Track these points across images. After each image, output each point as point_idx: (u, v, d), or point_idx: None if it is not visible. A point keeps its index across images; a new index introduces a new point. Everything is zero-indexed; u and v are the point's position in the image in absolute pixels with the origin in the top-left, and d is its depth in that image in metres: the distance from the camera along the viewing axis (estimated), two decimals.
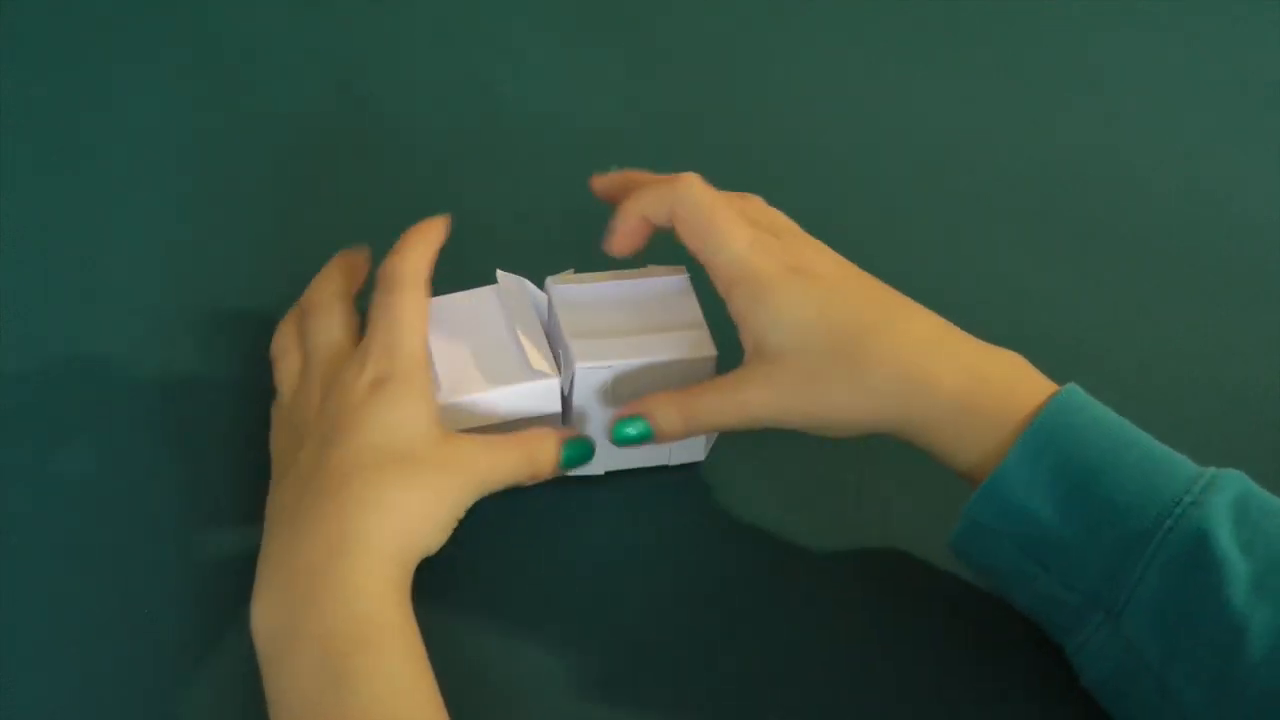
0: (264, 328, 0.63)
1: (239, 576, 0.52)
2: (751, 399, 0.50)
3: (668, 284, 0.56)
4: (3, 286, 0.64)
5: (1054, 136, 0.78)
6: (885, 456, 0.56)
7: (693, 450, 0.57)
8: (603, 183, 0.57)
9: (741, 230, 0.52)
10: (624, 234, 0.54)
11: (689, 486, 0.57)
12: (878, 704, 0.50)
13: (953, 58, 0.84)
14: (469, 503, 0.49)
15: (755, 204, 0.56)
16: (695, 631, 0.52)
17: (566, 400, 0.54)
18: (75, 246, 0.66)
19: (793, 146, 0.77)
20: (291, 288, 0.65)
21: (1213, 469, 0.46)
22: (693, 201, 0.52)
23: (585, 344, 0.53)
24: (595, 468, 0.55)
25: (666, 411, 0.51)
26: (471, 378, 0.52)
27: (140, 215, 0.69)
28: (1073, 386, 0.49)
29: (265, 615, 0.45)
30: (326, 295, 0.55)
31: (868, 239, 0.70)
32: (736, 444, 0.57)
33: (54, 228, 0.68)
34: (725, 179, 0.74)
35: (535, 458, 0.51)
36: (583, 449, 0.53)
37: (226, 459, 0.56)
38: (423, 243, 0.53)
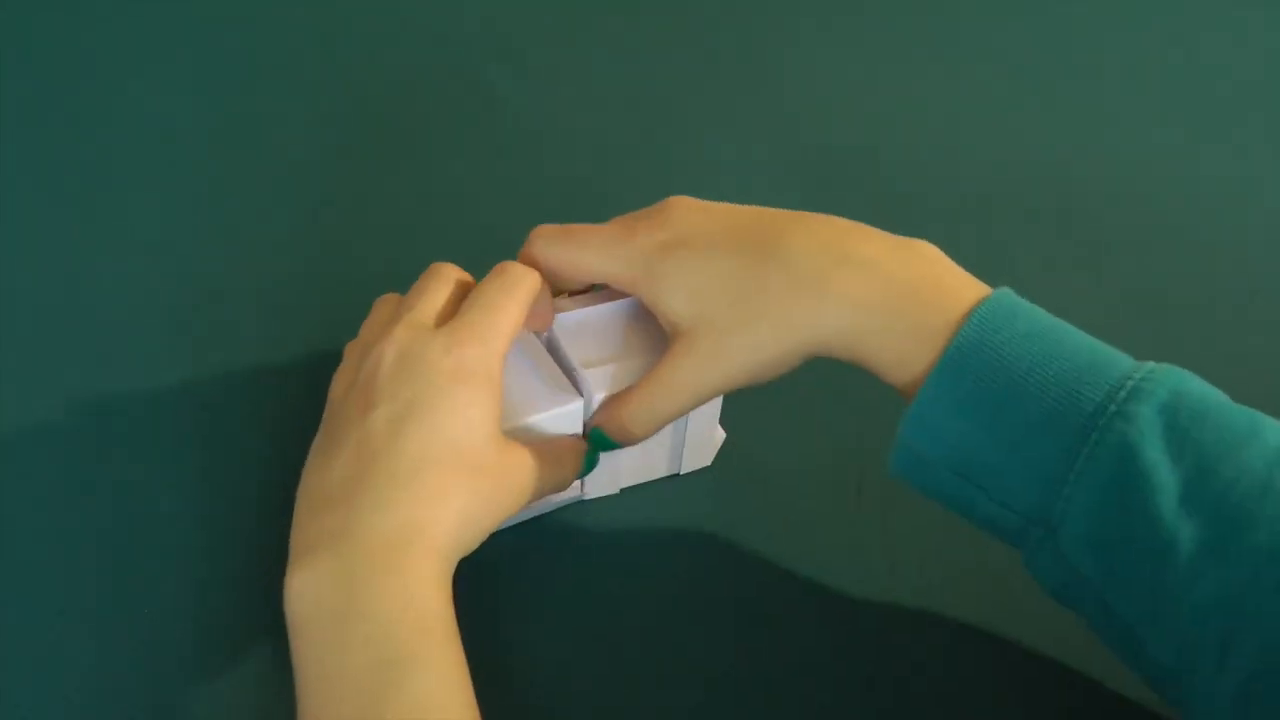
0: (269, 324, 0.63)
1: (241, 577, 0.52)
2: (685, 378, 0.50)
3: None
4: (5, 286, 0.64)
5: (1055, 137, 0.78)
6: (885, 456, 0.56)
7: (702, 457, 0.57)
8: None
9: (600, 233, 0.52)
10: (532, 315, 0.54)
11: (694, 492, 0.57)
12: (881, 701, 0.50)
13: (954, 58, 0.84)
14: (514, 513, 0.50)
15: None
16: (706, 628, 0.52)
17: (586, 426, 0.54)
18: (79, 247, 0.67)
19: (792, 147, 0.77)
20: (298, 286, 0.65)
21: (1147, 366, 0.44)
22: (546, 248, 0.53)
23: (599, 373, 0.53)
24: (611, 487, 0.56)
25: (611, 424, 0.52)
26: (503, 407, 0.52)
27: (144, 215, 0.69)
28: (1002, 292, 0.47)
29: (313, 585, 0.43)
30: (454, 272, 0.53)
31: None
32: (739, 449, 0.58)
33: (59, 228, 0.68)
34: (723, 180, 0.74)
35: (566, 470, 0.52)
36: (594, 459, 0.54)
37: (233, 458, 0.57)
38: (535, 277, 0.52)
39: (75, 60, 0.78)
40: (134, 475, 0.56)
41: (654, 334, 0.55)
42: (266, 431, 0.58)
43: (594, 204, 0.69)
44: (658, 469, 0.57)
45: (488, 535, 0.48)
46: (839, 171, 0.75)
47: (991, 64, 0.84)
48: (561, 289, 0.56)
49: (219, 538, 0.53)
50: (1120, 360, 0.45)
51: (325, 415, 0.51)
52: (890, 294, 0.47)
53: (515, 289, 0.51)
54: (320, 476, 0.47)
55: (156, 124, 0.74)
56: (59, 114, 0.75)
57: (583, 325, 0.55)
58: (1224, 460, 0.42)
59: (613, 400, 0.52)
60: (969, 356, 0.45)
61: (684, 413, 0.52)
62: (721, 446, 0.58)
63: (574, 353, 0.53)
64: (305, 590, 0.44)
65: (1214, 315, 0.68)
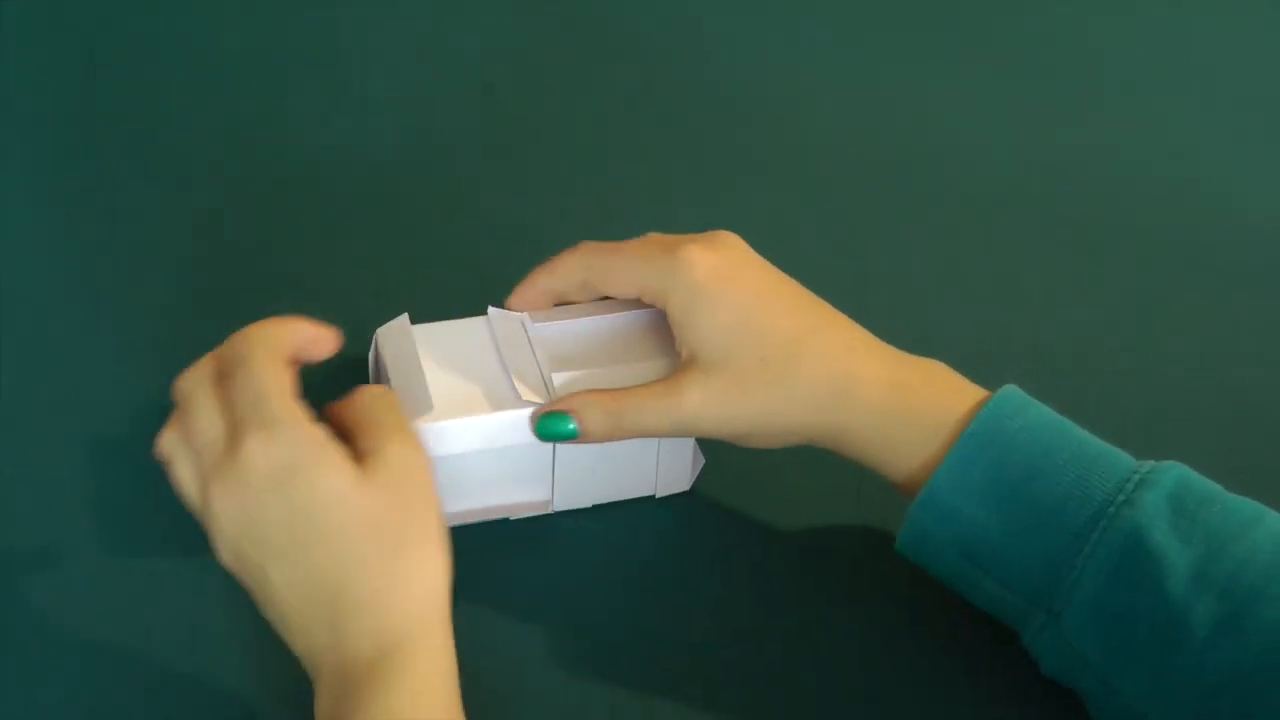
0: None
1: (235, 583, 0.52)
2: (686, 403, 0.50)
3: (640, 316, 0.55)
4: (3, 287, 0.64)
5: (1054, 137, 0.78)
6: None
7: (678, 480, 0.57)
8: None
9: (643, 244, 0.52)
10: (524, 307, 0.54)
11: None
12: (879, 707, 0.50)
13: (954, 58, 0.84)
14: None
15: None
16: (695, 643, 0.52)
17: None
18: (77, 248, 0.67)
19: (792, 147, 0.77)
20: (291, 290, 0.65)
21: (1150, 463, 0.47)
22: (587, 256, 0.53)
23: (565, 375, 0.52)
24: (583, 500, 0.56)
25: (593, 411, 0.51)
26: (465, 401, 0.51)
27: (145, 215, 0.69)
28: (1011, 388, 0.49)
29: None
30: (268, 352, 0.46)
31: (868, 239, 0.71)
32: (726, 470, 0.57)
33: (60, 228, 0.68)
34: (724, 181, 0.74)
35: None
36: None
37: None
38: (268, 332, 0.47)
39: (77, 60, 0.78)
40: (133, 476, 0.56)
41: (630, 347, 0.54)
42: None
43: (594, 208, 0.69)
44: (631, 487, 0.56)
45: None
46: (841, 173, 0.75)
47: (992, 64, 0.84)
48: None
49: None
50: (1124, 456, 0.47)
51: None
52: (907, 395, 0.49)
53: (251, 362, 0.44)
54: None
55: (156, 124, 0.74)
56: (58, 113, 0.75)
57: (559, 335, 0.54)
58: (1235, 541, 0.44)
59: (601, 392, 0.51)
60: (982, 443, 0.47)
61: (662, 434, 0.52)
62: (701, 472, 0.57)
63: (545, 358, 0.53)
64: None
65: (1215, 316, 0.68)
